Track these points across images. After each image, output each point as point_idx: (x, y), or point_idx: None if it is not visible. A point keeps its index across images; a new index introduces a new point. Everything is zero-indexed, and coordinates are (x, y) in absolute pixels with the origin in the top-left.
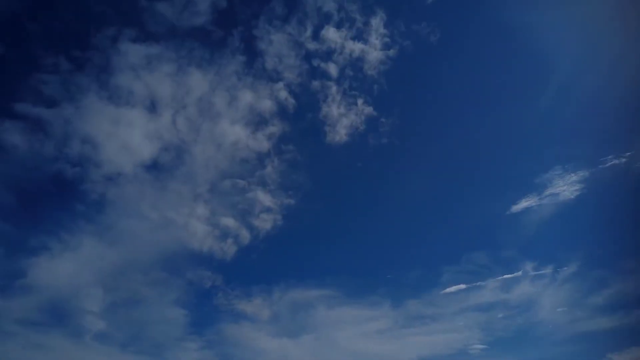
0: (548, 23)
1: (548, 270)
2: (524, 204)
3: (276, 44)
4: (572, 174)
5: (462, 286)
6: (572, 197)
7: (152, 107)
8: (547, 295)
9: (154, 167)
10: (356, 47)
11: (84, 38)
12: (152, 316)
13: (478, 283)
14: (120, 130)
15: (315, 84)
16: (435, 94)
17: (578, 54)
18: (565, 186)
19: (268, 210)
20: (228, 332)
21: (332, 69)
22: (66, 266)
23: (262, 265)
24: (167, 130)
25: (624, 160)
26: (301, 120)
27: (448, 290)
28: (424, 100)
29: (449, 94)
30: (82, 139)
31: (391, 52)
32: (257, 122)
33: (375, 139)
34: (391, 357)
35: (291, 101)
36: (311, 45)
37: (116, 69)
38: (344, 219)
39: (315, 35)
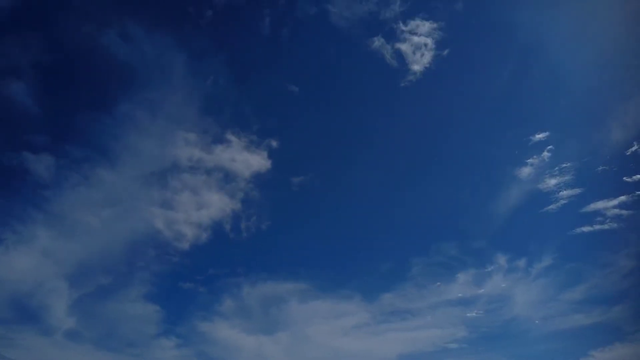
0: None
1: (522, 263)
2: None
3: None
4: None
5: (439, 282)
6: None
7: None
8: (523, 290)
9: None
10: None
11: None
12: (123, 312)
13: (456, 276)
14: None
15: None
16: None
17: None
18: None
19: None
20: (202, 329)
21: None
22: (23, 259)
23: (231, 258)
24: None
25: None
26: None
27: (423, 283)
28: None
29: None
30: None
31: None
32: None
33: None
34: (370, 354)
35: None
36: None
37: None
38: (313, 210)
39: None
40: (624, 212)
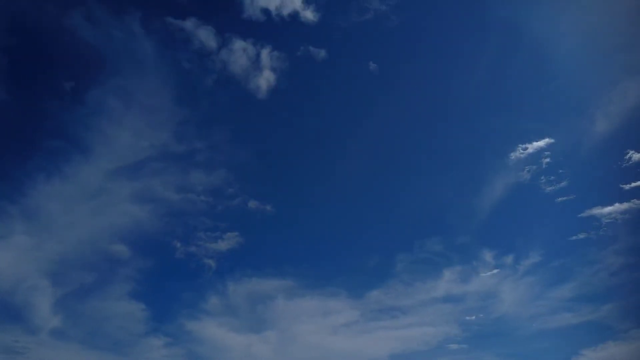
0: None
1: (509, 260)
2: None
3: None
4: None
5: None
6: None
7: None
8: (511, 288)
9: None
10: None
11: None
12: (108, 311)
13: (442, 272)
14: None
15: None
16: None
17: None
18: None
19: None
20: (190, 328)
21: None
22: (1, 255)
23: (216, 252)
24: None
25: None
26: None
27: (408, 279)
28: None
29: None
30: None
31: None
32: None
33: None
34: (360, 353)
35: None
36: None
37: None
38: (297, 206)
39: None
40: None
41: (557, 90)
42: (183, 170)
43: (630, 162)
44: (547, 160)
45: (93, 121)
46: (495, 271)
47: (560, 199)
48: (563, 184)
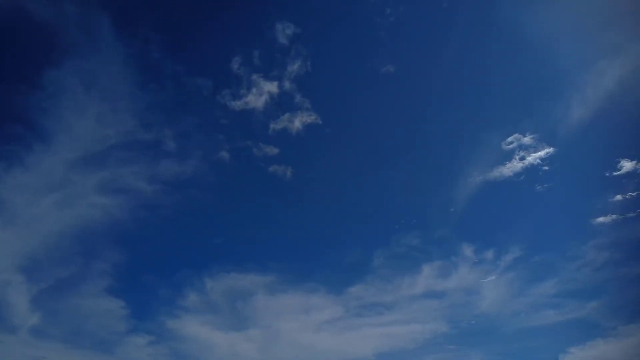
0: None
1: (490, 254)
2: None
3: None
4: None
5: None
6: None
7: None
8: (493, 284)
9: None
10: None
11: None
12: (88, 308)
13: (421, 267)
14: None
15: None
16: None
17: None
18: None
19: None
20: (172, 326)
21: None
22: None
23: (191, 247)
24: None
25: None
26: None
27: (387, 275)
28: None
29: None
30: None
31: None
32: None
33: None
34: (346, 352)
35: None
36: None
37: None
38: (274, 200)
39: None
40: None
41: (532, 76)
42: (153, 159)
43: (615, 155)
44: (527, 150)
45: (52, 106)
46: (475, 267)
47: (539, 188)
48: (541, 174)
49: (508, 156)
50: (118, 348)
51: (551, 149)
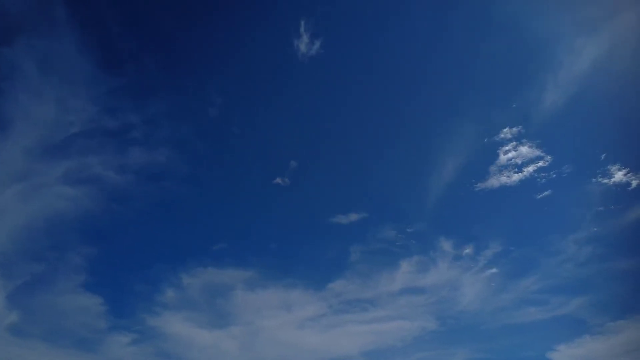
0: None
1: (470, 250)
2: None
3: None
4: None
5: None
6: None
7: None
8: (474, 280)
9: None
10: None
11: None
12: (65, 305)
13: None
14: None
15: None
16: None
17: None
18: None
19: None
20: (153, 324)
21: None
22: None
23: (165, 240)
24: None
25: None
26: None
27: (365, 271)
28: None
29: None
30: None
31: None
32: None
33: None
34: (330, 350)
35: None
36: None
37: None
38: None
39: None
40: None
41: (507, 62)
42: (120, 148)
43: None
44: (505, 144)
45: (6, 89)
46: (455, 262)
47: (514, 179)
48: (519, 166)
49: (485, 148)
50: (101, 346)
51: (529, 141)
